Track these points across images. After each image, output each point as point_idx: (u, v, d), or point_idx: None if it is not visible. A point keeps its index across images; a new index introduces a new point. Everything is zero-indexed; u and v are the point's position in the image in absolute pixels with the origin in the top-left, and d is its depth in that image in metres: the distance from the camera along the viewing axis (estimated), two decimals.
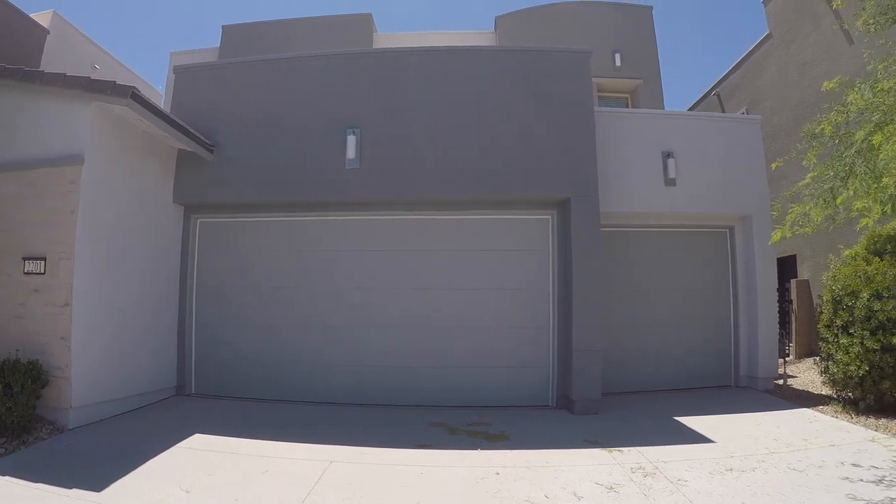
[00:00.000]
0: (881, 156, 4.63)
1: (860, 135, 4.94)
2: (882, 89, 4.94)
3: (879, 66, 5.35)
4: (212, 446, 5.95)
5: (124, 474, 4.97)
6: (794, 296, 11.12)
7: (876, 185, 4.75)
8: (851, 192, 4.90)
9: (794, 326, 11.15)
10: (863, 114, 5.13)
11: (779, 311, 11.22)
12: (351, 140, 8.08)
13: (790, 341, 11.35)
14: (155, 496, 4.57)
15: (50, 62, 13.22)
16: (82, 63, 14.66)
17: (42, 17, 14.16)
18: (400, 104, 8.30)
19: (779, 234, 5.92)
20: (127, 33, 50.74)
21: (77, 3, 41.80)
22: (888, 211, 5.04)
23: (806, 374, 9.72)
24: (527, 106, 8.17)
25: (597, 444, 6.10)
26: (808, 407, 7.61)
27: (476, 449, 5.98)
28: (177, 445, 5.89)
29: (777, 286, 9.26)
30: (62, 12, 14.87)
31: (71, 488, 4.60)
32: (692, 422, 6.93)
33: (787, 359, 9.34)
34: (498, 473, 5.19)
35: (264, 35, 15.62)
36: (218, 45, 16.02)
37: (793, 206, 5.62)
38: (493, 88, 8.27)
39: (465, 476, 5.16)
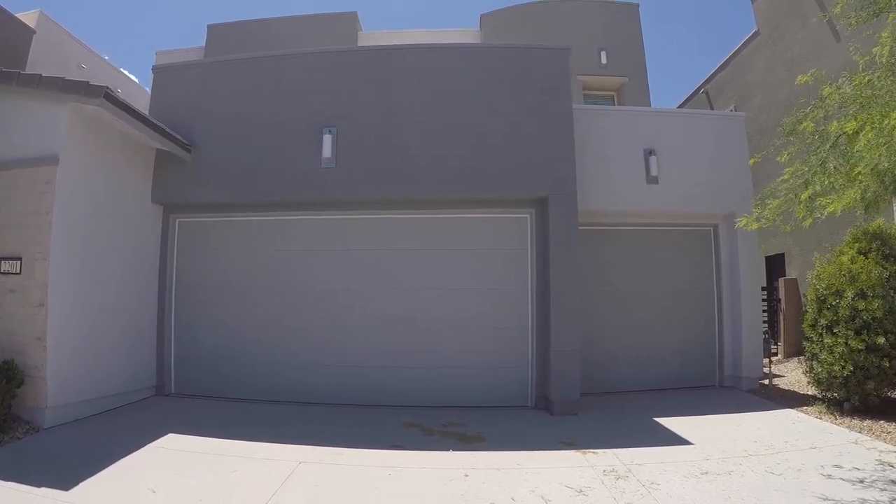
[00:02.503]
0: (856, 147, 4.55)
1: (834, 127, 4.87)
2: (860, 83, 4.87)
3: (861, 60, 5.29)
4: (184, 446, 5.92)
5: (94, 473, 4.95)
6: (782, 294, 11.03)
7: (844, 179, 4.68)
8: (818, 188, 4.83)
9: (782, 325, 11.07)
10: (841, 108, 5.06)
11: (767, 310, 11.21)
12: (327, 139, 8.02)
13: (778, 340, 11.28)
14: (120, 495, 4.56)
15: (36, 62, 13.18)
16: (69, 63, 14.63)
17: (28, 17, 14.12)
18: (377, 103, 8.23)
19: (743, 221, 5.86)
20: (119, 33, 51.04)
21: (67, 3, 41.97)
22: (860, 205, 4.99)
23: (793, 374, 9.64)
24: (505, 103, 8.10)
25: (572, 445, 6.02)
26: (792, 407, 7.53)
27: (448, 450, 5.91)
28: (149, 445, 5.87)
29: (762, 285, 9.20)
30: (50, 12, 14.85)
31: (40, 487, 4.60)
32: (671, 423, 6.86)
33: (772, 358, 9.24)
34: (467, 475, 5.12)
35: (249, 34, 15.57)
36: (203, 44, 15.99)
37: (769, 201, 5.55)
38: (471, 86, 8.21)
39: (435, 478, 5.09)
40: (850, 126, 4.55)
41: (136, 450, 5.67)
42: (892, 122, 4.07)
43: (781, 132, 5.93)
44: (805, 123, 5.37)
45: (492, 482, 4.95)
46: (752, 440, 6.08)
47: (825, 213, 5.08)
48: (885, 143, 4.18)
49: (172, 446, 5.91)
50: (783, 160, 5.65)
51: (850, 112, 4.78)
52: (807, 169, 5.10)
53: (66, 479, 4.75)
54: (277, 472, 5.15)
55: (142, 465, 5.32)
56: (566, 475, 5.09)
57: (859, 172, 4.52)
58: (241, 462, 5.45)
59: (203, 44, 16.05)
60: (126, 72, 18.38)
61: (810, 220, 5.19)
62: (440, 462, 5.52)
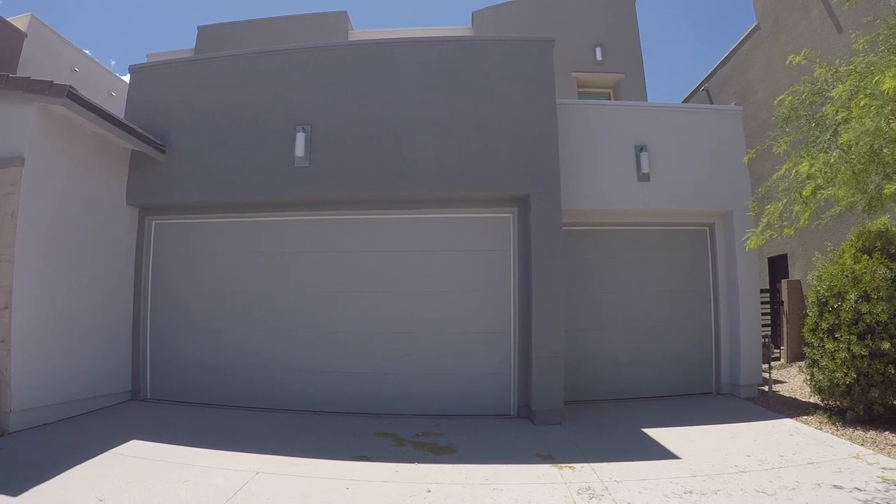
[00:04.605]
0: (840, 113, 4.25)
1: (829, 109, 4.54)
2: (857, 64, 4.57)
3: (861, 42, 5.04)
4: (144, 453, 5.75)
5: (47, 479, 4.85)
6: (784, 297, 10.61)
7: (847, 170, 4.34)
8: (820, 181, 4.48)
9: (785, 329, 10.63)
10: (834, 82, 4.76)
11: (770, 314, 10.78)
12: (300, 137, 7.78)
13: (781, 344, 10.85)
14: (66, 502, 4.47)
15: (28, 66, 13.19)
16: (61, 66, 14.67)
17: (20, 21, 14.17)
18: (352, 100, 7.98)
19: (753, 241, 5.52)
20: (118, 37, 51.71)
21: (63, 8, 42.53)
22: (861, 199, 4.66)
23: (795, 380, 9.19)
24: (485, 98, 7.81)
25: (549, 459, 5.67)
26: (791, 417, 7.11)
27: (415, 462, 5.60)
28: (110, 451, 5.73)
29: (763, 287, 8.80)
30: (43, 16, 14.89)
31: None
32: (660, 434, 6.49)
33: (772, 364, 8.81)
34: (429, 491, 4.82)
35: (239, 35, 15.53)
36: (193, 46, 15.93)
37: (769, 206, 5.21)
38: (450, 81, 7.93)
39: (394, 493, 4.80)
40: (839, 91, 4.22)
41: (95, 455, 5.55)
42: (891, 84, 3.70)
43: (777, 121, 5.61)
44: (786, 98, 5.05)
45: (453, 499, 4.65)
46: (746, 454, 5.68)
47: (829, 213, 4.80)
48: (876, 109, 3.84)
49: (132, 453, 5.74)
50: (780, 151, 5.32)
51: (849, 82, 4.46)
52: (810, 161, 4.73)
53: (18, 485, 4.65)
54: (230, 484, 4.92)
55: (97, 471, 5.19)
56: (536, 493, 4.75)
57: (846, 141, 4.17)
58: (197, 471, 5.25)
59: (193, 46, 16.00)
60: (125, 77, 18.32)
61: (805, 218, 4.84)
62: (404, 476, 5.21)
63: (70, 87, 6.49)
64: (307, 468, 5.39)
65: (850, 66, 4.74)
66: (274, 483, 4.99)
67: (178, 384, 8.23)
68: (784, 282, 10.76)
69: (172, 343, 8.33)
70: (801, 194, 4.80)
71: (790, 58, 5.36)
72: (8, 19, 13.87)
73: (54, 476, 4.93)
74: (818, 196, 4.74)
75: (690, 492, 4.71)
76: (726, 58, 16.33)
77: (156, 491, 4.77)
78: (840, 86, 4.38)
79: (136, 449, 5.88)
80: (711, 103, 16.46)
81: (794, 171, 4.84)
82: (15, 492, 4.52)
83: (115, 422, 7.05)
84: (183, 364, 8.25)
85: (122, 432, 6.37)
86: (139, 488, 4.81)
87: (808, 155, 4.76)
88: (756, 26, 14.72)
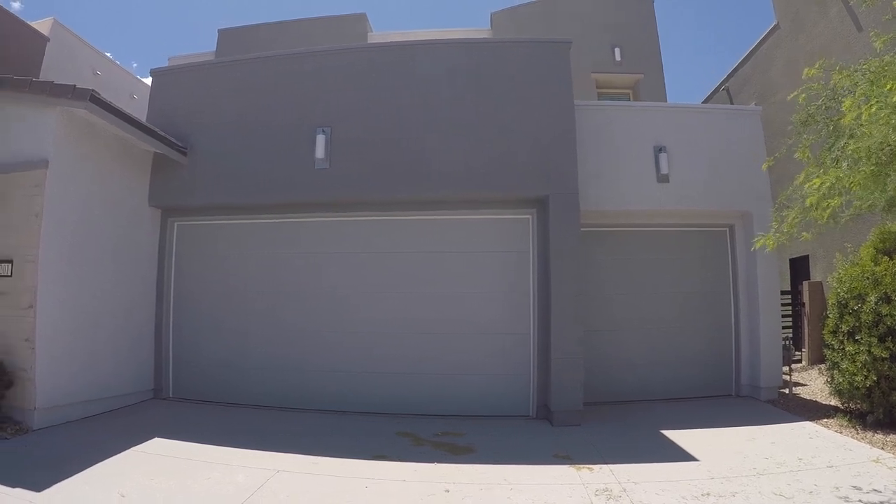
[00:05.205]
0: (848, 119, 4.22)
1: (847, 119, 4.49)
2: (871, 67, 4.53)
3: (879, 42, 4.96)
4: (167, 451, 5.84)
5: (70, 475, 4.94)
6: (806, 298, 10.49)
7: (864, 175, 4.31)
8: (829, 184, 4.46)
9: (806, 331, 10.51)
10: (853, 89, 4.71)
11: (791, 315, 10.66)
12: (320, 139, 7.83)
13: (803, 346, 10.72)
14: (89, 498, 4.54)
15: (51, 69, 13.39)
16: (83, 69, 14.86)
17: (42, 25, 14.38)
18: (372, 102, 8.03)
19: (760, 241, 5.49)
20: (137, 39, 52.36)
21: (84, 10, 43.14)
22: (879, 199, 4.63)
23: (816, 383, 9.07)
24: (504, 100, 7.82)
25: (567, 459, 5.68)
26: (811, 420, 7.03)
27: (434, 462, 5.63)
28: (133, 449, 5.82)
29: (784, 288, 8.70)
30: (64, 19, 15.13)
31: (15, 487, 4.60)
32: (679, 436, 6.45)
33: (792, 366, 8.72)
34: (448, 490, 4.84)
35: (259, 37, 15.58)
36: (214, 48, 16.05)
37: (786, 212, 5.19)
38: (468, 82, 7.94)
39: (412, 492, 4.83)
40: (847, 104, 4.19)
41: (117, 453, 5.64)
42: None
43: (793, 130, 5.58)
44: (800, 96, 5.03)
45: (471, 499, 4.67)
46: (764, 457, 5.63)
47: (847, 213, 4.76)
48: (885, 118, 3.82)
49: (155, 451, 5.84)
50: (802, 158, 5.29)
51: (860, 90, 4.43)
52: (821, 171, 4.71)
53: (41, 481, 4.73)
54: (250, 482, 4.99)
55: (119, 468, 5.28)
56: (553, 494, 4.76)
57: (855, 149, 4.15)
58: (219, 469, 5.32)
59: (213, 48, 16.12)
60: (146, 80, 18.53)
61: (825, 216, 4.80)
62: (423, 475, 5.24)
63: (93, 90, 6.58)
64: (327, 467, 5.44)
65: (864, 65, 4.69)
66: (293, 481, 5.04)
67: (200, 383, 8.34)
68: (805, 283, 10.63)
69: (194, 343, 8.44)
70: (810, 203, 4.78)
71: (805, 71, 5.32)
72: (30, 23, 14.12)
73: (77, 473, 5.01)
74: (825, 205, 4.70)
75: (708, 494, 4.68)
76: (746, 57, 16.15)
77: (177, 488, 4.85)
78: (848, 99, 4.34)
79: (158, 447, 5.98)
80: (732, 103, 16.28)
81: (806, 185, 4.82)
82: (38, 487, 4.61)
83: (138, 420, 7.16)
84: (204, 363, 8.36)
85: (145, 430, 6.46)
86: (161, 485, 4.89)
87: (821, 163, 4.76)
88: (776, 25, 14.55)
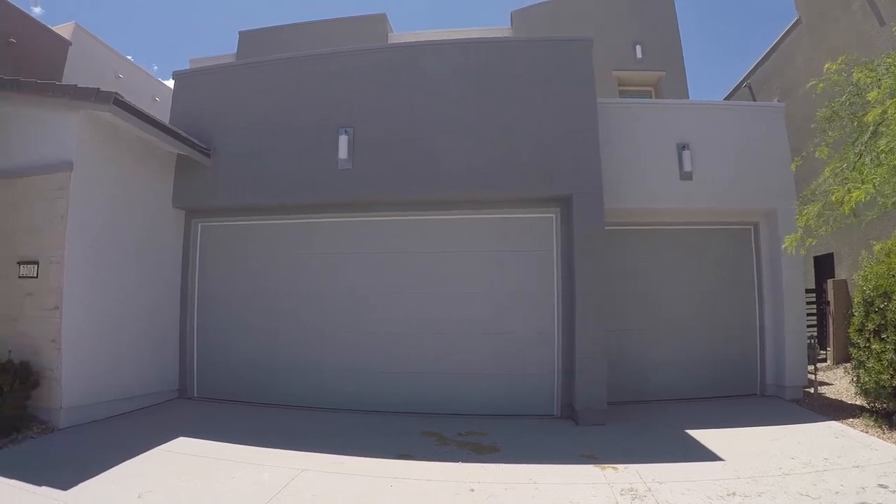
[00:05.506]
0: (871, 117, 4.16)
1: (870, 116, 4.43)
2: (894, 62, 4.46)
3: None
4: (192, 450, 5.91)
5: (95, 474, 5.00)
6: (831, 297, 10.34)
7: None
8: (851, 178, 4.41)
9: (831, 330, 10.36)
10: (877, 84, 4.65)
11: (816, 314, 10.51)
12: (343, 140, 7.86)
13: (828, 345, 10.57)
14: (114, 497, 4.61)
15: (73, 73, 13.54)
16: (105, 73, 15.01)
17: (64, 30, 14.55)
18: (394, 102, 8.04)
19: (790, 241, 5.44)
20: (158, 42, 52.89)
21: (105, 14, 43.64)
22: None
23: (841, 382, 8.97)
24: (526, 98, 7.79)
25: (592, 459, 5.66)
26: (836, 420, 6.93)
27: (458, 461, 5.63)
28: (158, 448, 5.90)
29: (808, 286, 8.57)
30: (84, 23, 15.27)
31: (41, 486, 4.68)
32: (704, 436, 6.39)
33: (817, 365, 8.58)
34: (473, 490, 4.84)
35: (280, 39, 15.63)
36: (235, 51, 16.15)
37: (806, 207, 5.14)
38: (492, 83, 7.92)
39: (437, 491, 4.84)
40: (873, 95, 4.13)
41: (142, 452, 5.72)
42: None
43: (817, 128, 5.52)
44: (819, 85, 4.97)
45: (496, 499, 4.66)
46: (790, 456, 5.57)
47: (874, 210, 4.70)
48: None
49: (180, 450, 5.92)
50: (823, 155, 5.24)
51: (884, 84, 4.37)
52: (844, 165, 4.67)
53: (66, 479, 4.80)
54: (276, 480, 5.04)
55: (144, 467, 5.36)
56: (578, 494, 4.74)
57: (882, 151, 4.09)
58: (243, 468, 5.37)
59: (234, 50, 16.22)
60: (167, 83, 18.69)
61: (849, 207, 4.74)
62: (448, 475, 5.25)
63: (116, 93, 6.66)
64: (352, 466, 5.46)
65: (888, 59, 4.63)
66: (318, 480, 5.06)
67: (224, 383, 8.43)
68: (830, 281, 10.48)
69: (218, 342, 8.54)
70: (836, 199, 4.73)
71: (827, 65, 5.27)
72: (52, 28, 14.29)
73: (102, 471, 5.09)
74: (848, 199, 4.64)
75: (733, 494, 4.65)
76: (768, 53, 15.93)
77: (202, 486, 4.90)
78: (873, 92, 4.28)
79: (183, 446, 6.04)
80: (754, 100, 16.08)
81: (832, 192, 4.79)
82: (65, 486, 4.70)
83: (163, 419, 7.24)
84: (229, 363, 8.45)
85: (170, 429, 6.53)
86: (185, 483, 4.95)
87: (845, 158, 4.71)
88: (797, 20, 14.36)
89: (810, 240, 5.36)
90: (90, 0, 46.70)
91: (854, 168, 4.62)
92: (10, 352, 6.34)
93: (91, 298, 6.95)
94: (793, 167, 6.63)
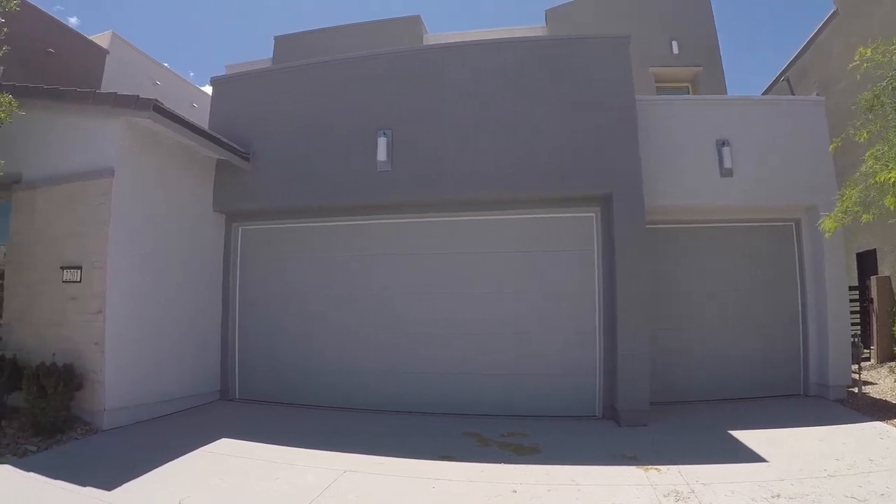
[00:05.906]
0: None
1: None
2: None
3: None
4: (234, 451, 5.98)
5: (139, 475, 5.08)
6: (874, 294, 10.07)
7: None
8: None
9: (874, 328, 10.09)
10: None
11: (859, 312, 10.24)
12: (381, 142, 7.91)
13: (871, 344, 10.30)
14: (158, 497, 4.68)
15: (111, 81, 13.82)
16: (142, 80, 15.27)
17: (101, 39, 14.87)
18: (432, 103, 8.05)
19: (828, 222, 5.32)
20: (194, 48, 53.76)
21: (141, 22, 44.44)
22: None
23: (885, 381, 8.75)
24: (564, 98, 7.74)
25: (634, 460, 5.59)
26: (881, 420, 6.73)
27: (500, 462, 5.61)
28: (200, 449, 5.99)
29: (852, 284, 8.34)
30: (121, 32, 15.58)
31: (85, 486, 4.77)
32: (747, 436, 6.26)
33: (861, 364, 8.37)
34: (515, 491, 4.82)
35: (315, 44, 15.66)
36: (271, 56, 16.29)
37: (846, 191, 5.02)
38: (528, 81, 7.87)
39: (479, 492, 4.83)
40: None
41: (185, 453, 5.81)
42: None
43: (857, 111, 5.40)
44: (863, 65, 4.85)
45: (539, 500, 4.64)
46: (835, 458, 5.43)
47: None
48: None
49: (222, 451, 5.99)
50: (862, 140, 5.11)
51: None
52: (887, 148, 4.55)
53: (111, 480, 4.89)
54: (319, 481, 5.08)
55: (187, 468, 5.45)
56: (621, 495, 4.69)
57: None
58: (286, 469, 5.43)
59: (270, 56, 16.37)
60: (205, 89, 18.96)
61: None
62: (489, 476, 5.23)
63: (156, 100, 6.77)
64: (394, 467, 5.48)
65: None
66: (361, 481, 5.09)
67: (265, 384, 8.55)
68: (873, 278, 10.22)
69: (259, 345, 8.68)
70: (877, 180, 4.63)
71: (859, 50, 5.16)
72: (90, 37, 14.62)
73: (146, 472, 5.17)
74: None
75: (778, 496, 4.55)
76: (806, 46, 15.57)
77: (245, 487, 4.97)
78: None
79: (226, 447, 6.11)
80: (792, 94, 15.68)
81: (873, 176, 4.67)
82: (109, 486, 4.79)
83: (205, 420, 7.34)
84: (270, 365, 8.60)
85: (213, 430, 6.62)
86: (228, 483, 5.02)
87: (885, 138, 4.60)
88: (835, 12, 14.02)
89: (844, 217, 5.20)
90: (127, 9, 47.62)
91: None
92: (53, 355, 6.45)
93: (134, 301, 7.08)
94: (831, 148, 6.47)
